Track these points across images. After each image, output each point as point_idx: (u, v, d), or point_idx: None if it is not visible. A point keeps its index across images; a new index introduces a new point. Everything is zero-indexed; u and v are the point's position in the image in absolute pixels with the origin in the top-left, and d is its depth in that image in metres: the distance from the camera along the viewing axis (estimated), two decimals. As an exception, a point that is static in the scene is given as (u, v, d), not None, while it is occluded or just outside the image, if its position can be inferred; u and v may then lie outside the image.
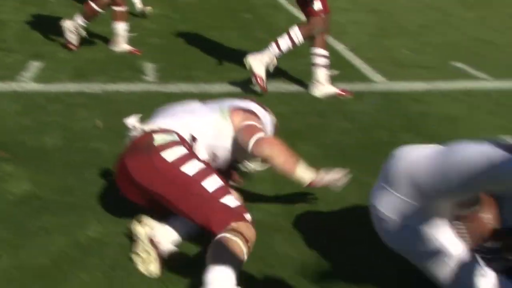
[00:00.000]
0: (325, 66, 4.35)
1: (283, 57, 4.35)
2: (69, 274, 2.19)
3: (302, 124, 3.78)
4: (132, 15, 5.85)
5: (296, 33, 4.25)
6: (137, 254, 2.25)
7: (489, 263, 1.97)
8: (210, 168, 2.30)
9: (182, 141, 2.34)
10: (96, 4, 4.87)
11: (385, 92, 4.53)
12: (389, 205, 2.04)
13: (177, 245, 2.31)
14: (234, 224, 2.09)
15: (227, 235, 2.05)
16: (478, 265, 1.96)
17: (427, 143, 3.46)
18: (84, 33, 4.99)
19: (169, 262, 2.25)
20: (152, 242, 2.24)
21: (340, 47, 5.61)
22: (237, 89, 4.32)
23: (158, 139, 2.30)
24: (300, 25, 4.33)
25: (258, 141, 2.39)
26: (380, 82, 4.73)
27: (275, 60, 4.28)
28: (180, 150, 2.28)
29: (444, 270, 1.98)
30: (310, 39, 4.29)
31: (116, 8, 5.05)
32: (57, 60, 4.78)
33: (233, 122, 2.51)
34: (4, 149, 3.15)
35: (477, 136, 3.64)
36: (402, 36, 6.26)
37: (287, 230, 2.56)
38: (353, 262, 2.34)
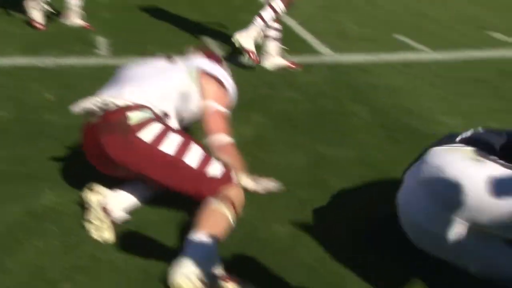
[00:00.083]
0: (277, 39, 4.39)
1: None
2: (25, 242, 2.17)
3: (254, 95, 3.80)
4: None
5: (278, 3, 4.26)
6: (90, 222, 2.24)
7: None
8: (187, 138, 2.24)
9: (156, 116, 2.25)
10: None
11: (332, 64, 4.59)
12: (448, 226, 1.94)
13: (129, 212, 2.33)
14: (223, 191, 2.13)
15: (215, 203, 2.10)
16: None
17: (371, 112, 3.59)
18: (49, 8, 4.84)
19: (122, 228, 2.26)
20: (104, 210, 2.24)
21: (289, 20, 5.63)
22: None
23: (133, 117, 2.19)
24: None
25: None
26: (327, 55, 4.80)
27: (262, 33, 4.31)
28: (156, 128, 2.19)
29: None
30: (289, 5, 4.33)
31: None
32: (7, 35, 4.62)
33: (201, 85, 2.47)
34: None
35: (419, 105, 3.79)
36: (349, 10, 6.33)
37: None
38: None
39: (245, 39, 4.22)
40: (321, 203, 2.55)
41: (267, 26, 4.29)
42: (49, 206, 2.40)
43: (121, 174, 2.32)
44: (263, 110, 3.54)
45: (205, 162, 2.19)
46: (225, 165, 2.25)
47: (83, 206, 2.33)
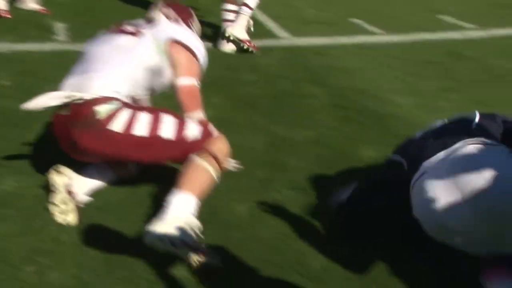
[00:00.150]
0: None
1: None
2: (-14, 227, 2.15)
3: (213, 77, 3.79)
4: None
5: None
6: (55, 204, 2.22)
7: None
8: (156, 113, 2.20)
9: (123, 103, 2.20)
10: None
11: (290, 47, 4.63)
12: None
13: (92, 194, 2.32)
14: (206, 147, 2.14)
15: (197, 160, 2.12)
16: None
17: (328, 93, 3.65)
18: None
19: (85, 210, 2.26)
20: (69, 192, 2.23)
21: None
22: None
23: (101, 111, 2.14)
24: None
25: (188, 85, 2.35)
26: (285, 38, 4.83)
27: (250, 20, 4.39)
28: (124, 115, 2.15)
29: None
30: None
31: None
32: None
33: (171, 57, 2.35)
34: None
35: (373, 86, 3.86)
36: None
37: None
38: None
39: (238, 30, 4.32)
40: (280, 183, 2.60)
41: (253, 10, 4.37)
42: (10, 191, 2.37)
43: (93, 159, 2.32)
44: (223, 93, 3.55)
45: (180, 129, 2.17)
46: (201, 121, 2.24)
47: (46, 190, 2.31)
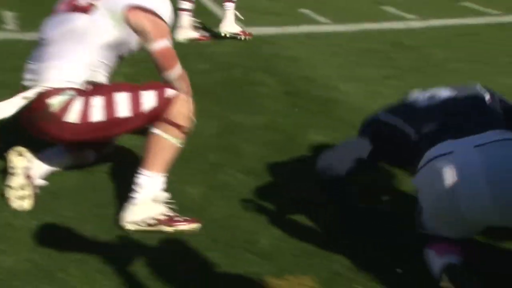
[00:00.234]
0: (189, 12, 4.39)
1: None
2: None
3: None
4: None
5: None
6: (11, 188, 2.16)
7: None
8: (108, 93, 2.12)
9: (76, 91, 2.12)
10: None
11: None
12: None
13: (47, 180, 2.29)
14: (165, 115, 2.10)
15: (157, 132, 2.11)
16: None
17: (277, 81, 3.70)
18: None
19: (39, 195, 2.22)
20: (28, 177, 2.17)
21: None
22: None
23: (54, 103, 2.08)
24: None
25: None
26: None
27: (235, 12, 4.49)
28: (77, 105, 2.08)
29: None
30: None
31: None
32: None
33: (132, 25, 2.16)
34: None
35: (320, 74, 3.92)
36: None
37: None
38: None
39: (229, 26, 4.46)
40: (231, 166, 2.63)
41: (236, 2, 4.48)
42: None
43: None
44: (176, 81, 3.54)
45: (136, 103, 2.11)
46: (155, 85, 2.17)
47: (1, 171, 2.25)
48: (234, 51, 4.23)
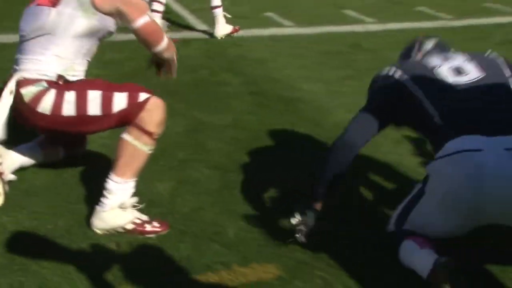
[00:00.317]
0: (160, 14, 4.42)
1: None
2: None
3: (134, 68, 3.80)
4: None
5: None
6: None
7: None
8: (81, 89, 2.10)
9: (50, 83, 2.10)
10: None
11: (208, 39, 4.71)
12: None
13: (18, 178, 2.29)
14: (135, 120, 2.07)
15: (127, 138, 2.08)
16: None
17: (243, 81, 3.76)
18: None
19: (11, 194, 2.22)
20: (0, 174, 2.16)
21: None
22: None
23: (26, 93, 2.07)
24: None
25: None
26: (204, 30, 4.89)
27: (224, 13, 4.68)
28: (50, 97, 2.07)
29: None
30: None
31: None
32: None
33: (106, 9, 2.10)
34: None
35: (284, 74, 4.00)
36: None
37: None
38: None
39: (222, 29, 4.68)
40: (198, 163, 2.67)
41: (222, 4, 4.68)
42: None
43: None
44: (143, 82, 3.53)
45: (107, 103, 2.08)
46: (130, 88, 2.15)
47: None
48: (200, 53, 4.28)
